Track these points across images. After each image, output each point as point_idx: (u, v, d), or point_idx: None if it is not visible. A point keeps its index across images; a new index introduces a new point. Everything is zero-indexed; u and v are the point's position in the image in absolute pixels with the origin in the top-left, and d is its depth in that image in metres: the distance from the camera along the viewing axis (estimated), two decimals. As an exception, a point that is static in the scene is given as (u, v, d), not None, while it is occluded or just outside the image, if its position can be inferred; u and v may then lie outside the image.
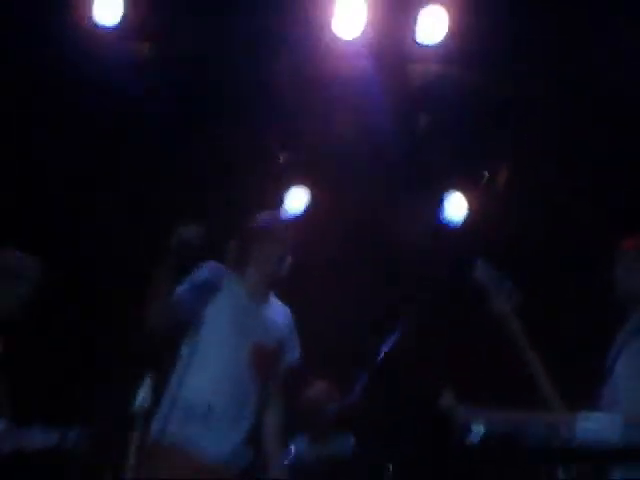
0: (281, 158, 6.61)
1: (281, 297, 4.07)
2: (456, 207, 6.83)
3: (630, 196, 5.73)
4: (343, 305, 6.65)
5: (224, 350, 3.83)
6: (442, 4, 5.48)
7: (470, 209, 6.75)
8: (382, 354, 4.94)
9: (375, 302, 6.74)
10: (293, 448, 5.60)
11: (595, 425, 2.80)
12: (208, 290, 3.83)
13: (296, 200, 6.80)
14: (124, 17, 5.57)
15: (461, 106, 6.06)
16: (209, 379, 3.79)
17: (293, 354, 4.03)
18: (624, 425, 2.77)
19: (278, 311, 4.03)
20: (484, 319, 3.67)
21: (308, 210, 6.79)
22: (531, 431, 2.76)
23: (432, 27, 5.52)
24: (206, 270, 3.88)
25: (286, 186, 6.74)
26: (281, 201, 6.70)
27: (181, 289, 3.81)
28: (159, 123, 5.99)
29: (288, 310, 4.08)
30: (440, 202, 6.79)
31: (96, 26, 5.58)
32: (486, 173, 6.68)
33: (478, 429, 2.83)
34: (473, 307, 3.86)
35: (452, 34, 5.50)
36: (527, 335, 3.57)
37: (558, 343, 5.52)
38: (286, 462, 5.15)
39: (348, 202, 6.81)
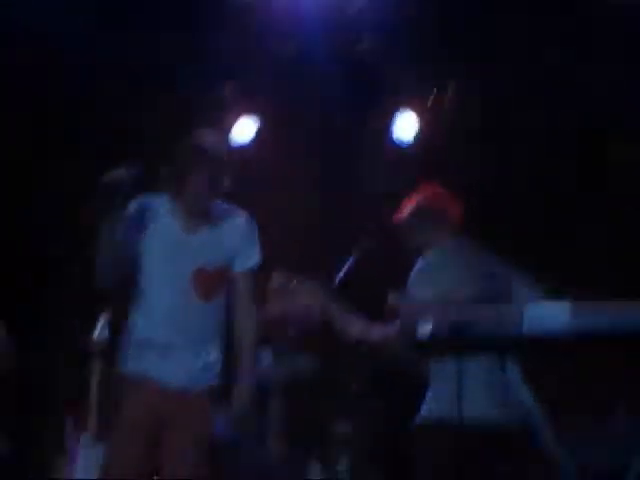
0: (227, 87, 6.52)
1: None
2: (407, 126, 6.77)
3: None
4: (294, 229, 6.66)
5: (157, 285, 3.78)
6: None
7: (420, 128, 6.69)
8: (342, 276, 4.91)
9: (327, 226, 6.71)
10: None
11: (543, 313, 2.80)
12: (138, 225, 3.76)
13: (243, 129, 6.75)
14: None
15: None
16: (145, 314, 3.79)
17: (247, 262, 3.88)
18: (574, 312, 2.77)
19: (227, 227, 3.88)
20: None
21: (256, 138, 6.73)
22: (479, 322, 2.76)
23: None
24: (134, 204, 3.79)
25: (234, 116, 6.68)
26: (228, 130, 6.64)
27: (119, 234, 3.69)
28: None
29: (245, 219, 3.91)
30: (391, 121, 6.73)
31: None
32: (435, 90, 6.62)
33: (425, 327, 2.82)
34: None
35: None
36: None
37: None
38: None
39: (298, 128, 6.75)
